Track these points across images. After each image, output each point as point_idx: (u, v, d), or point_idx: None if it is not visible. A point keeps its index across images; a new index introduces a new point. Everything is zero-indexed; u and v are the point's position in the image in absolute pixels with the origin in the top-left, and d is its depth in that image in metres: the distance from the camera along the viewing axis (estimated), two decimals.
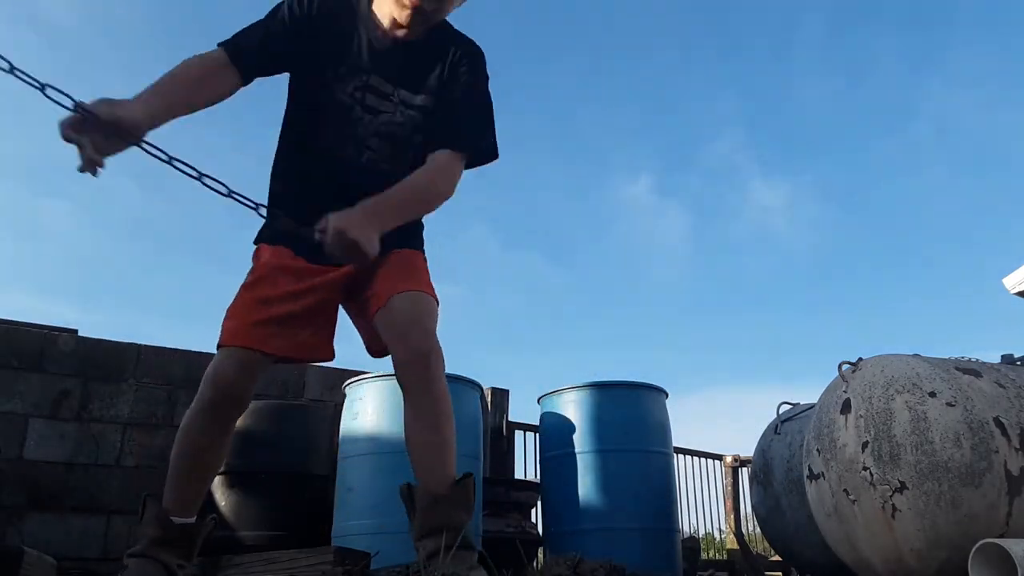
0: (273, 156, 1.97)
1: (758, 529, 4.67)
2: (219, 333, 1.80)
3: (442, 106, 1.87)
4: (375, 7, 1.85)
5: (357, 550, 2.42)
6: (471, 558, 1.70)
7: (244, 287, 1.85)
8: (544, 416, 3.93)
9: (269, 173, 1.96)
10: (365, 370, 3.78)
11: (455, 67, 1.87)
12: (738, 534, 4.80)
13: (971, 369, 2.94)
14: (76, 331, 4.41)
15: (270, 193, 1.94)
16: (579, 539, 3.40)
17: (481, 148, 1.89)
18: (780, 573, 4.57)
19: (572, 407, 3.71)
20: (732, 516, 5.03)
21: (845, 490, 2.83)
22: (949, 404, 2.72)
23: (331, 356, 1.92)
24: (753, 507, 4.20)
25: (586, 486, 3.55)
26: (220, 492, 3.63)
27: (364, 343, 1.95)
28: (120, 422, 4.08)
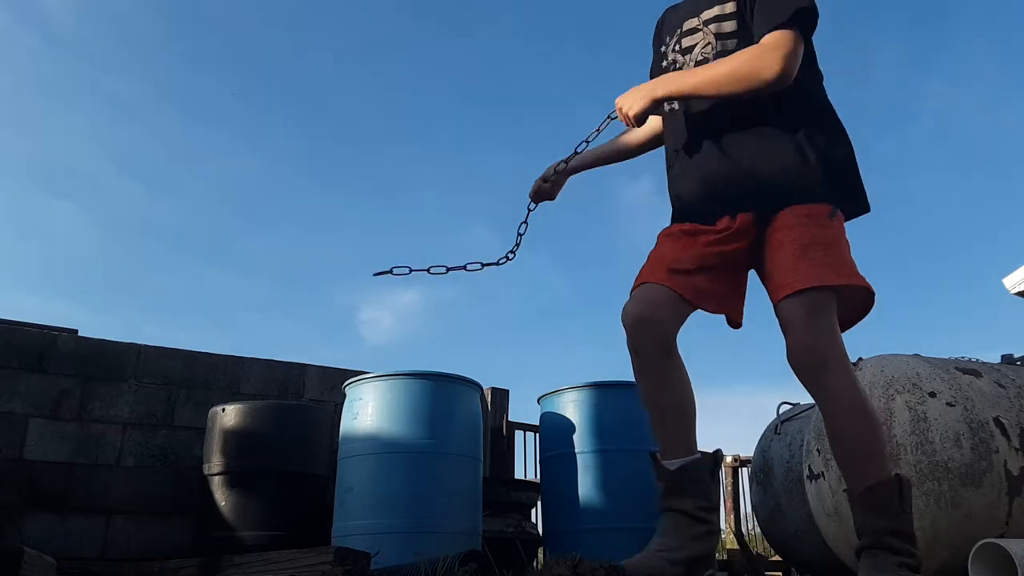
0: None
1: (758, 529, 4.67)
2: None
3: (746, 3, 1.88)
4: None
5: (357, 550, 2.43)
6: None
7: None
8: (544, 416, 3.93)
9: None
10: (365, 370, 3.78)
11: None
12: (738, 534, 4.79)
13: (971, 369, 2.94)
14: (76, 331, 4.42)
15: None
16: (579, 539, 3.40)
17: (803, 9, 1.77)
18: (780, 573, 4.57)
19: (572, 407, 3.71)
20: (732, 516, 5.03)
21: (845, 490, 2.83)
22: (949, 404, 2.73)
23: (738, 319, 1.93)
24: (753, 507, 4.20)
25: (586, 486, 3.55)
26: (220, 492, 3.63)
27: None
28: (120, 422, 4.08)
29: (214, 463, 3.68)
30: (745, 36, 1.86)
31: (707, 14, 1.93)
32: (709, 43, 1.91)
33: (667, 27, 2.08)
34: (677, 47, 1.99)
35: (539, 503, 4.05)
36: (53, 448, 3.90)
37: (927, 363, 2.91)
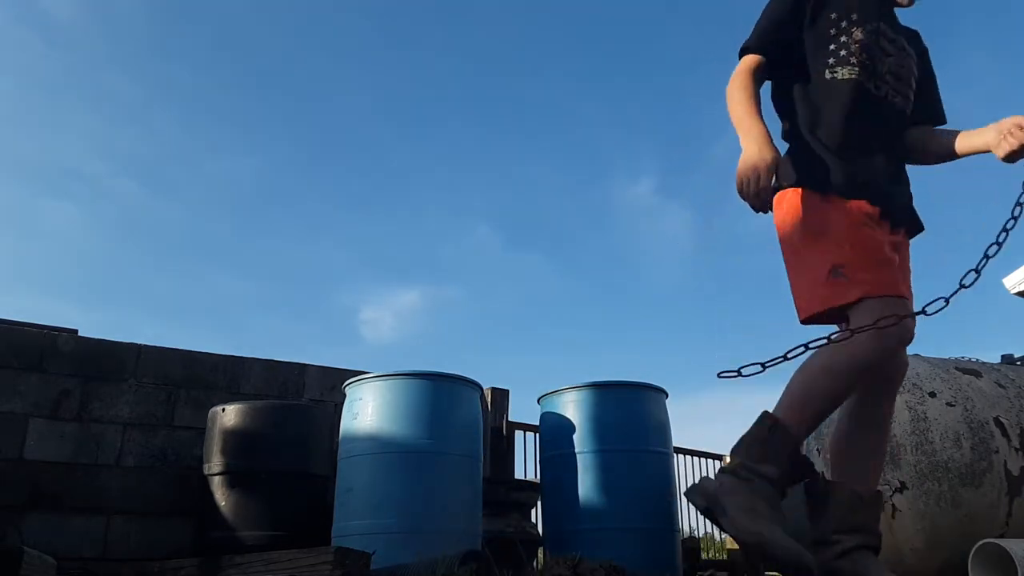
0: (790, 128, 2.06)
1: None
2: (857, 285, 1.75)
3: (921, 75, 2.12)
4: None
5: (357, 550, 2.42)
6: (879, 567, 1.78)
7: (852, 230, 1.83)
8: (544, 416, 3.93)
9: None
10: (365, 370, 3.78)
11: (919, 41, 2.16)
12: None
13: (971, 369, 2.94)
14: (76, 331, 4.41)
15: (830, 148, 1.94)
16: (579, 539, 3.40)
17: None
18: (780, 573, 4.56)
19: (572, 407, 3.71)
20: None
21: None
22: (949, 404, 2.73)
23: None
24: None
25: (586, 486, 3.55)
26: (220, 492, 3.63)
27: None
28: (120, 422, 4.08)
29: (214, 463, 3.68)
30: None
31: (905, 44, 2.08)
32: (910, 85, 2.07)
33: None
34: (875, 38, 1.98)
35: (539, 503, 4.05)
36: (53, 448, 3.90)
37: (927, 363, 2.91)
